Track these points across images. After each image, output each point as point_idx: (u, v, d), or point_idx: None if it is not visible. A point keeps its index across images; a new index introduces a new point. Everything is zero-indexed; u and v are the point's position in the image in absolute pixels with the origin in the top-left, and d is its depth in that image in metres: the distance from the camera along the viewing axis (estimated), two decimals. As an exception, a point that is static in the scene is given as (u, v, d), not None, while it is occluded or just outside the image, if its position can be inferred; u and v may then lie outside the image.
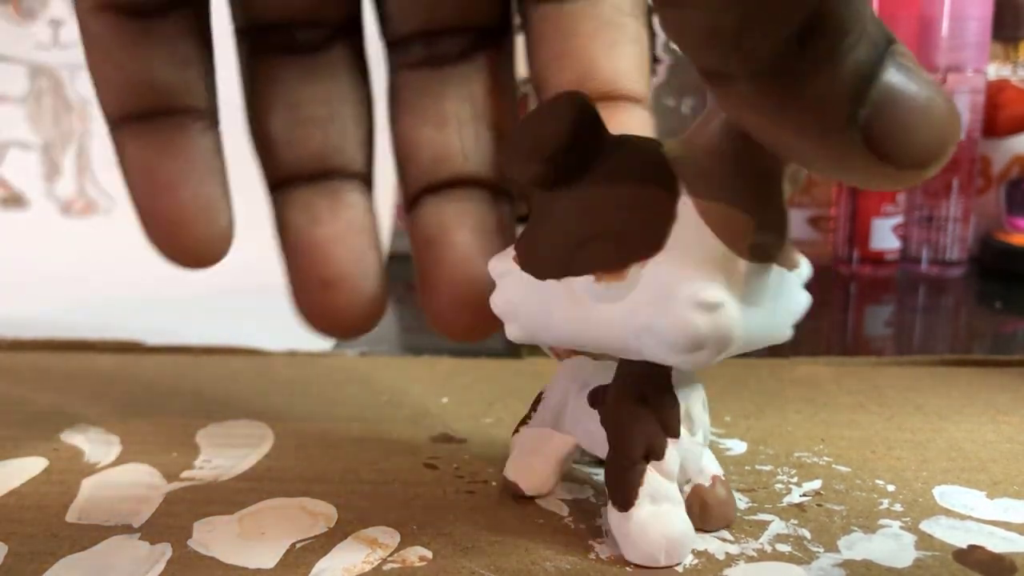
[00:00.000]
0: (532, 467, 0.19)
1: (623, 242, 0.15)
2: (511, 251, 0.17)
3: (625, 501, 0.16)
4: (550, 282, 0.15)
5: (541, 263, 0.16)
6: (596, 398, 0.18)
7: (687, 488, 0.18)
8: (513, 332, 0.16)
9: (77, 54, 0.23)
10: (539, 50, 0.18)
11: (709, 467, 0.18)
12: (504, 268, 0.16)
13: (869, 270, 0.49)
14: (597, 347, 0.16)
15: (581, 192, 0.15)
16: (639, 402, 0.17)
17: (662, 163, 0.15)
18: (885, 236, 0.48)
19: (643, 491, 0.16)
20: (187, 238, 0.18)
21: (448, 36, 0.18)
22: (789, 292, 0.16)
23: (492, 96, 0.19)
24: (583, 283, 0.15)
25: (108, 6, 0.17)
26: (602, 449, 0.17)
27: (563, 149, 0.15)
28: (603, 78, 0.18)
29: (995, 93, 0.50)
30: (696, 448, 0.17)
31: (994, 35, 0.47)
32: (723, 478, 0.18)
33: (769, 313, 0.15)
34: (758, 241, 0.15)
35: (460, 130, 0.19)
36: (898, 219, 0.48)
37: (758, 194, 0.15)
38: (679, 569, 0.16)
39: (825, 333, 0.39)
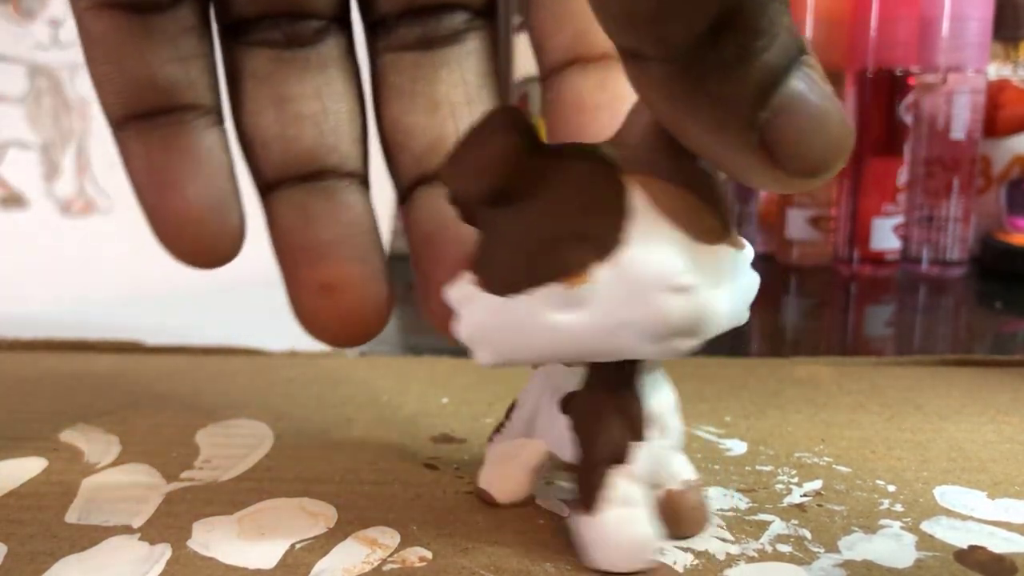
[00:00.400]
0: (506, 475, 0.19)
1: (582, 243, 0.14)
2: (466, 275, 0.16)
3: (591, 504, 0.16)
4: (517, 298, 0.15)
5: (503, 280, 0.15)
6: (566, 404, 0.18)
7: (659, 493, 0.17)
8: (484, 358, 0.16)
9: (77, 54, 0.23)
10: (538, 12, 0.18)
11: (681, 471, 0.18)
12: (465, 293, 0.16)
13: (869, 270, 0.49)
14: (572, 356, 0.15)
15: (531, 203, 0.15)
16: (605, 406, 0.16)
17: (606, 161, 0.15)
18: (885, 236, 0.48)
19: (609, 495, 0.16)
20: (197, 237, 0.17)
21: (436, 15, 0.18)
22: (743, 272, 0.16)
23: (483, 80, 0.18)
24: (549, 292, 0.15)
25: (107, 4, 0.16)
26: (573, 455, 0.17)
27: (510, 165, 0.14)
28: (599, 38, 0.17)
29: (995, 93, 0.50)
30: (666, 452, 0.17)
31: (994, 35, 0.47)
32: (696, 482, 0.18)
33: (730, 294, 0.15)
34: (709, 222, 0.15)
35: (454, 115, 0.18)
36: (898, 219, 0.48)
37: (698, 176, 0.15)
38: (679, 569, 0.16)
39: (825, 333, 0.39)
